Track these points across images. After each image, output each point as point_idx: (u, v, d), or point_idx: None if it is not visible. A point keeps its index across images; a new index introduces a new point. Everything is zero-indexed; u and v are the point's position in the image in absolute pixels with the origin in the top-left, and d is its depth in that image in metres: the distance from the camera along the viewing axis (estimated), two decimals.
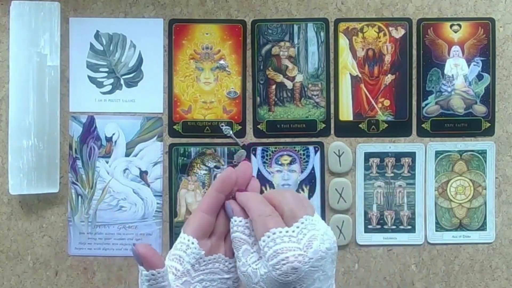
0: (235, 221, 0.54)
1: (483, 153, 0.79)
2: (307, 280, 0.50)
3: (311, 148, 0.78)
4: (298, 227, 0.51)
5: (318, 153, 0.78)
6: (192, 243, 0.54)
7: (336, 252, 0.52)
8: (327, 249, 0.50)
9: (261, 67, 0.78)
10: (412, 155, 0.78)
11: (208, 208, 0.55)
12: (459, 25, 0.78)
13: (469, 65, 0.78)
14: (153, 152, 0.78)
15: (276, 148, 0.78)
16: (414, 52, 0.78)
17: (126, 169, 0.78)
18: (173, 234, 0.78)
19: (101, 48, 0.78)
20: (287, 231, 0.50)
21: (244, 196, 0.55)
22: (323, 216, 0.78)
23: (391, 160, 0.78)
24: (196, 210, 0.56)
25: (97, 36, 0.78)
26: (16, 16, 0.75)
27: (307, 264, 0.49)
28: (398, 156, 0.78)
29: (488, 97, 0.78)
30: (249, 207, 0.54)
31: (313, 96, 0.78)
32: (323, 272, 0.51)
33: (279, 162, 0.78)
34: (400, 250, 0.79)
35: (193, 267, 0.54)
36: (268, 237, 0.50)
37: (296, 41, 0.78)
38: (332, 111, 0.78)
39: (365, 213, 0.79)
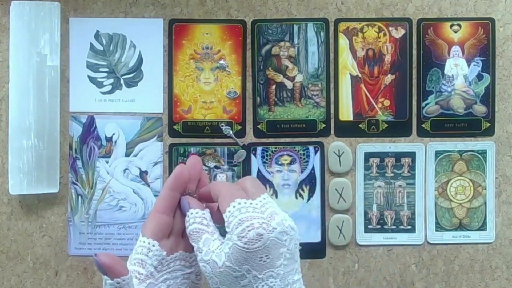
0: (192, 213, 0.55)
1: (483, 153, 0.79)
2: (273, 251, 0.50)
3: (311, 148, 0.78)
4: (261, 201, 0.52)
5: (318, 153, 0.78)
6: (153, 245, 0.54)
7: (299, 240, 0.53)
8: (291, 227, 0.51)
9: (261, 67, 0.78)
10: (412, 155, 0.78)
11: (164, 208, 0.55)
12: (459, 25, 0.78)
13: (469, 65, 0.78)
14: (153, 152, 0.78)
15: (276, 148, 0.78)
16: (414, 52, 0.78)
17: (126, 169, 0.78)
18: None
19: (101, 48, 0.78)
20: (251, 203, 0.52)
21: (211, 184, 0.57)
22: (323, 216, 0.78)
23: (391, 160, 0.78)
24: (151, 212, 0.56)
25: (97, 36, 0.78)
26: (16, 16, 0.75)
27: (271, 232, 0.50)
28: (398, 156, 0.78)
29: (488, 97, 0.78)
30: (215, 185, 0.55)
31: (313, 96, 0.78)
32: (288, 250, 0.51)
33: (279, 162, 0.78)
34: (400, 250, 0.79)
35: (156, 269, 0.54)
36: (234, 207, 0.51)
37: (296, 41, 0.78)
38: (332, 111, 0.78)
39: (365, 213, 0.79)
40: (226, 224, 0.52)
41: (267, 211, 0.52)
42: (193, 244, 0.54)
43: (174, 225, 0.56)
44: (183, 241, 0.57)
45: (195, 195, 0.57)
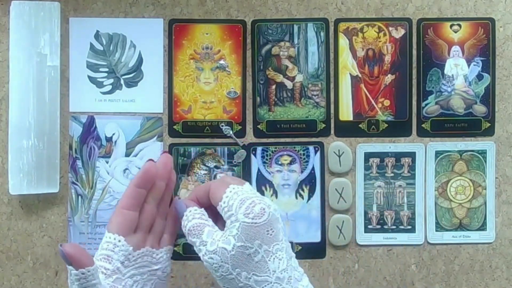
0: (190, 211, 0.57)
1: (483, 153, 0.79)
2: (275, 225, 0.54)
3: (311, 148, 0.78)
4: (248, 187, 0.56)
5: (318, 153, 0.78)
6: (119, 241, 0.54)
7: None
8: (277, 209, 0.56)
9: (261, 67, 0.78)
10: (412, 155, 0.78)
11: (130, 204, 0.56)
12: (459, 25, 0.78)
13: (469, 65, 0.78)
14: (153, 152, 0.78)
15: (276, 148, 0.78)
16: (414, 52, 0.78)
17: (126, 169, 0.78)
18: None
19: (101, 48, 0.78)
20: (242, 188, 0.56)
21: (195, 188, 0.61)
22: (323, 216, 0.78)
23: (391, 160, 0.78)
24: (117, 208, 0.56)
25: (97, 36, 0.78)
26: (16, 16, 0.75)
27: (270, 207, 0.54)
28: (398, 156, 0.78)
29: (488, 97, 0.78)
30: (200, 186, 0.58)
31: (313, 96, 0.78)
32: (282, 227, 0.55)
33: (279, 162, 0.78)
34: (400, 250, 0.79)
35: (123, 264, 0.55)
36: (230, 191, 0.55)
37: (296, 41, 0.78)
38: (332, 111, 0.78)
39: (365, 213, 0.79)
40: (226, 209, 0.54)
41: (257, 193, 0.56)
42: (194, 240, 0.55)
43: (140, 221, 0.57)
44: (150, 237, 0.57)
45: (178, 197, 0.59)
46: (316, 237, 0.78)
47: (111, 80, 0.78)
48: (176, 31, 0.78)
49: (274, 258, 0.53)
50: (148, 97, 0.78)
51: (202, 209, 0.57)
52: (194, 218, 0.56)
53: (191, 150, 0.78)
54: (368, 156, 0.78)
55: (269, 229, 0.53)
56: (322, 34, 0.78)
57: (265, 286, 0.53)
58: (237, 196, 0.55)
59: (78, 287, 0.51)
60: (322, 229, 0.78)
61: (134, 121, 0.78)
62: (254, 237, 0.53)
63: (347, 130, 0.78)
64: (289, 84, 0.78)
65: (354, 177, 0.78)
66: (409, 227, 0.79)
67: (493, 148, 0.78)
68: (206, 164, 0.78)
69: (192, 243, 0.55)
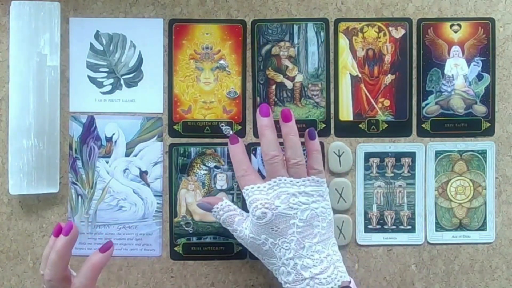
0: (217, 208, 0.69)
1: (483, 153, 0.79)
2: (281, 223, 0.64)
3: None
4: (269, 184, 0.66)
5: None
6: None
7: (328, 213, 0.68)
8: (300, 202, 0.65)
9: (261, 67, 0.78)
10: (412, 155, 0.78)
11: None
12: (459, 25, 0.78)
13: (469, 65, 0.78)
14: (153, 152, 0.78)
15: None
16: (414, 52, 0.78)
17: (126, 169, 0.78)
18: (173, 234, 0.78)
19: (101, 48, 0.78)
20: (258, 187, 0.66)
21: (230, 152, 0.72)
22: None
23: (391, 160, 0.78)
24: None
25: (97, 36, 0.78)
26: (16, 16, 0.75)
27: (274, 210, 0.64)
28: (398, 156, 0.78)
29: (488, 97, 0.78)
30: (234, 168, 0.71)
31: (313, 96, 0.78)
32: (300, 220, 0.64)
33: None
34: (400, 250, 0.79)
35: None
36: (244, 192, 0.68)
37: (296, 41, 0.78)
38: (332, 111, 0.78)
39: (365, 213, 0.79)
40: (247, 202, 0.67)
41: (273, 192, 0.65)
42: (228, 228, 0.68)
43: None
44: None
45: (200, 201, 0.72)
46: None
47: (111, 80, 0.78)
48: (176, 31, 0.78)
49: (280, 249, 0.64)
50: (148, 97, 0.78)
51: (225, 200, 0.69)
52: (224, 213, 0.68)
53: (191, 150, 0.78)
54: (368, 156, 0.78)
55: (273, 226, 0.64)
56: (322, 34, 0.78)
57: (273, 267, 0.66)
58: (248, 197, 0.66)
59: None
60: None
61: (134, 121, 0.78)
62: (260, 232, 0.65)
63: (347, 130, 0.78)
64: (289, 84, 0.78)
65: (354, 177, 0.79)
66: (409, 227, 0.79)
67: (493, 148, 0.78)
68: (206, 164, 0.78)
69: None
